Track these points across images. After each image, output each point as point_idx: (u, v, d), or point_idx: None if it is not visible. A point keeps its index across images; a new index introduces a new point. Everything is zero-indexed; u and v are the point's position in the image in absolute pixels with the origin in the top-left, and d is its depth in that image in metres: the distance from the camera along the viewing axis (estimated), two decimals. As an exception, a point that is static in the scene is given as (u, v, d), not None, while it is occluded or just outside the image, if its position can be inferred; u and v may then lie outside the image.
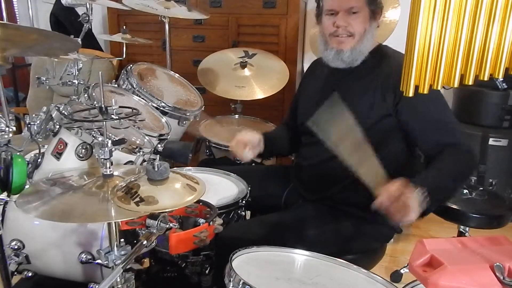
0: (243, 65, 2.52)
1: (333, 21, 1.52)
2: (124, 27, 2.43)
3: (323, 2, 1.56)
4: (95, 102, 1.55)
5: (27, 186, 1.15)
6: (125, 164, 1.44)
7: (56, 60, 2.20)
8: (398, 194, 1.20)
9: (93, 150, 1.32)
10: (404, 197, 1.19)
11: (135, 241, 1.07)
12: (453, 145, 1.42)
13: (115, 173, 1.15)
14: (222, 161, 2.22)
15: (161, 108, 1.92)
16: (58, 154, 1.41)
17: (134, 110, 1.19)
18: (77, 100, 1.76)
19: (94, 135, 1.34)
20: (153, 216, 1.00)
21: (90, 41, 3.18)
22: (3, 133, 1.18)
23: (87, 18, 2.05)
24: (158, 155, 1.59)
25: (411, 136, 1.50)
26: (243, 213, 1.59)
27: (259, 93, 2.44)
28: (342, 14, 1.51)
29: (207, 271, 1.41)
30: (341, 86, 1.60)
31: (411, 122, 1.46)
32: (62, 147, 1.41)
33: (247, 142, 1.67)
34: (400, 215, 1.21)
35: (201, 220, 1.20)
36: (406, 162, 1.55)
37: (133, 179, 1.09)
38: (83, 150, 1.38)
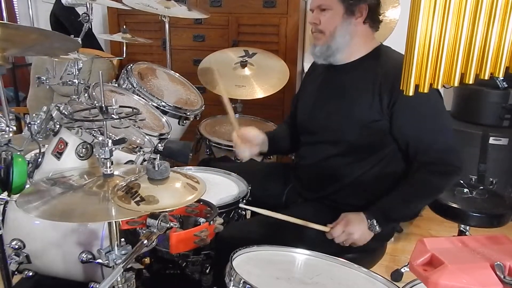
0: (243, 65, 2.52)
1: (310, 18, 1.59)
2: (124, 26, 2.44)
3: None
4: (95, 102, 1.56)
5: (27, 186, 1.16)
6: (125, 163, 1.44)
7: (56, 59, 2.20)
8: (342, 235, 1.43)
9: (94, 150, 1.32)
10: (348, 235, 1.43)
11: (135, 241, 1.07)
12: (430, 164, 1.45)
13: (116, 172, 1.15)
14: (222, 160, 2.22)
15: (161, 108, 1.92)
16: (58, 154, 1.41)
17: (134, 110, 1.20)
18: (77, 99, 1.77)
19: (95, 134, 1.34)
20: (154, 216, 1.00)
21: (90, 41, 3.18)
22: (3, 132, 1.18)
23: (87, 17, 2.05)
24: (159, 155, 1.59)
25: (398, 140, 1.50)
26: (244, 212, 1.59)
27: (259, 93, 2.44)
28: (315, 11, 1.56)
29: (207, 271, 1.41)
30: (338, 86, 1.60)
31: (401, 125, 1.47)
32: (62, 146, 1.41)
33: (249, 139, 1.68)
34: (351, 244, 1.45)
35: (202, 220, 1.20)
36: (403, 162, 1.55)
37: (133, 179, 1.09)
38: (84, 150, 1.38)
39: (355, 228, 1.43)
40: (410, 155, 1.49)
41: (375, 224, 1.43)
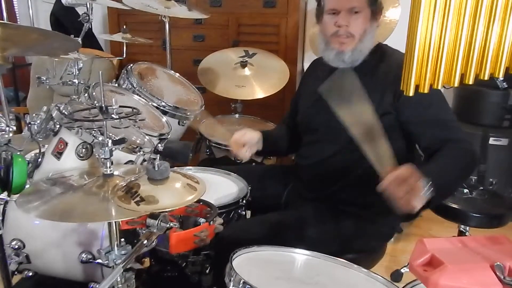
0: (243, 65, 2.52)
1: (335, 20, 1.51)
2: (125, 26, 2.43)
3: (324, 2, 1.55)
4: (95, 102, 1.55)
5: (27, 186, 1.16)
6: (125, 163, 1.44)
7: (56, 59, 2.20)
8: (406, 177, 1.16)
9: (94, 150, 1.32)
10: (412, 181, 1.16)
11: (135, 241, 1.07)
12: (454, 141, 1.42)
13: (116, 172, 1.15)
14: (222, 160, 2.22)
15: (161, 108, 1.92)
16: (58, 154, 1.41)
17: (134, 110, 1.20)
18: (77, 99, 1.77)
19: (95, 134, 1.34)
20: (154, 216, 1.00)
21: (91, 41, 3.18)
22: (3, 132, 1.18)
23: (87, 17, 2.05)
24: (159, 155, 1.59)
25: (411, 134, 1.50)
26: (243, 212, 1.59)
27: (259, 93, 2.44)
28: (344, 13, 1.50)
29: (207, 271, 1.41)
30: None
31: (411, 120, 1.47)
32: (62, 146, 1.41)
33: (245, 142, 1.68)
34: (406, 199, 1.16)
35: (202, 220, 1.20)
36: (406, 161, 1.54)
37: (133, 179, 1.09)
38: (84, 150, 1.38)
39: (421, 180, 1.18)
40: (424, 148, 1.48)
41: (427, 192, 1.20)
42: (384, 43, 1.65)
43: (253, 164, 2.22)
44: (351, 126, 1.26)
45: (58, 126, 1.45)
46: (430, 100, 1.44)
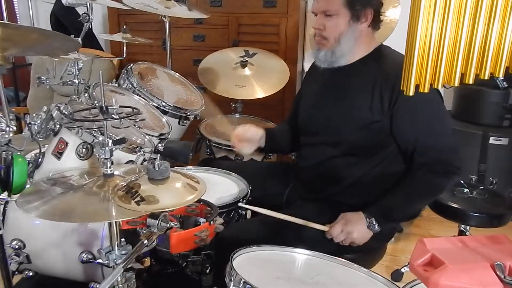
0: (244, 65, 2.52)
1: (314, 22, 1.55)
2: (125, 26, 2.43)
3: None
4: (95, 102, 1.56)
5: (27, 186, 1.16)
6: (125, 163, 1.44)
7: (56, 59, 2.20)
8: (339, 232, 1.44)
9: (94, 150, 1.32)
10: (347, 234, 1.44)
11: (135, 241, 1.07)
12: (430, 164, 1.45)
13: (116, 172, 1.15)
14: (222, 160, 2.22)
15: (161, 108, 1.92)
16: (58, 154, 1.41)
17: (134, 110, 1.20)
18: (77, 99, 1.77)
19: (95, 134, 1.34)
20: (154, 216, 1.00)
21: (91, 41, 3.18)
22: (3, 132, 1.18)
23: (88, 17, 2.05)
24: (159, 155, 1.59)
25: (396, 140, 1.50)
26: (244, 212, 1.59)
27: (259, 92, 2.44)
28: (319, 17, 1.53)
29: (207, 271, 1.41)
30: (339, 86, 1.60)
31: (400, 126, 1.46)
32: (62, 146, 1.41)
33: (248, 138, 1.68)
34: (351, 243, 1.45)
35: (202, 220, 1.20)
36: (404, 163, 1.55)
37: (133, 179, 1.09)
38: (84, 150, 1.38)
39: (354, 227, 1.43)
40: (410, 156, 1.49)
41: (374, 223, 1.44)
42: (385, 42, 1.64)
43: (254, 164, 2.22)
44: None
45: (58, 126, 1.45)
46: (426, 110, 1.45)
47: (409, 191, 1.48)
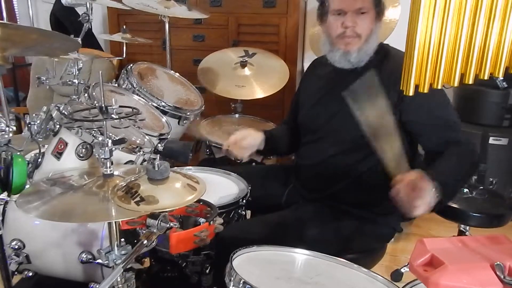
0: (243, 65, 2.52)
1: (341, 21, 1.50)
2: (124, 26, 2.43)
3: (329, 2, 1.54)
4: (95, 102, 1.55)
5: (27, 186, 1.16)
6: (125, 163, 1.44)
7: (56, 59, 2.20)
8: (416, 183, 1.21)
9: (94, 150, 1.32)
10: (421, 187, 1.21)
11: (135, 241, 1.07)
12: (456, 143, 1.43)
13: (116, 172, 1.15)
14: (222, 160, 2.22)
15: (161, 108, 1.92)
16: (58, 154, 1.41)
17: (134, 110, 1.20)
18: (77, 99, 1.77)
19: (95, 134, 1.34)
20: (154, 216, 1.00)
21: (90, 41, 3.18)
22: (3, 133, 1.18)
23: (87, 17, 2.05)
24: (158, 155, 1.58)
25: (414, 134, 1.50)
26: (244, 212, 1.59)
27: (259, 93, 2.44)
28: (351, 14, 1.49)
29: (207, 271, 1.41)
30: (345, 85, 1.59)
31: (414, 120, 1.47)
32: (62, 146, 1.41)
33: (246, 146, 1.67)
34: (413, 205, 1.22)
35: (202, 220, 1.20)
36: (410, 161, 1.54)
37: (133, 179, 1.09)
38: (83, 150, 1.38)
39: (429, 187, 1.23)
40: (428, 149, 1.49)
41: (435, 195, 1.25)
42: (385, 42, 1.64)
43: (253, 164, 2.22)
44: (371, 127, 1.28)
45: (58, 126, 1.45)
46: (435, 101, 1.45)
47: (453, 163, 1.39)
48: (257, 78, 2.49)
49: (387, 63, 1.52)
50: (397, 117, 1.47)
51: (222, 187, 1.67)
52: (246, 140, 1.68)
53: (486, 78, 0.72)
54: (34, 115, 1.49)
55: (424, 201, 1.22)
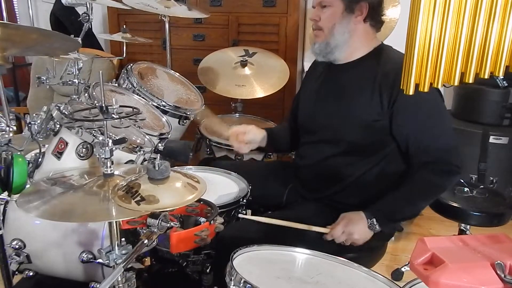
0: (244, 64, 2.52)
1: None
2: (124, 26, 2.44)
3: None
4: (95, 102, 1.55)
5: (27, 186, 1.16)
6: (125, 163, 1.44)
7: (56, 59, 2.20)
8: (342, 235, 1.44)
9: (94, 150, 1.32)
10: (348, 235, 1.43)
11: (136, 240, 1.07)
12: (430, 164, 1.45)
13: (116, 172, 1.15)
14: (222, 160, 2.22)
15: (161, 107, 1.92)
16: (58, 154, 1.41)
17: (134, 109, 1.20)
18: (77, 99, 1.77)
19: (95, 134, 1.34)
20: (154, 215, 1.00)
21: (90, 41, 3.18)
22: (3, 132, 1.18)
23: (87, 17, 2.05)
24: (159, 154, 1.59)
25: (398, 140, 1.49)
26: (244, 212, 1.59)
27: (259, 92, 2.44)
28: (316, 8, 1.56)
29: (208, 270, 1.41)
30: (338, 85, 1.60)
31: (401, 125, 1.46)
32: (62, 146, 1.41)
33: (248, 141, 1.68)
34: (352, 243, 1.45)
35: (202, 219, 1.20)
36: (404, 162, 1.55)
37: (133, 178, 1.09)
38: (84, 150, 1.38)
39: (355, 227, 1.43)
40: (410, 155, 1.49)
41: (375, 224, 1.44)
42: (385, 42, 1.64)
43: (254, 163, 2.22)
44: None
45: (58, 126, 1.45)
46: (426, 109, 1.45)
47: (410, 190, 1.48)
48: (257, 77, 2.49)
49: (382, 64, 1.52)
50: (387, 120, 1.47)
51: (222, 187, 1.67)
52: (248, 135, 1.69)
53: (486, 77, 0.72)
54: (34, 115, 1.49)
55: (357, 239, 1.44)
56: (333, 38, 1.53)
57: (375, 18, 1.54)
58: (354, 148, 1.55)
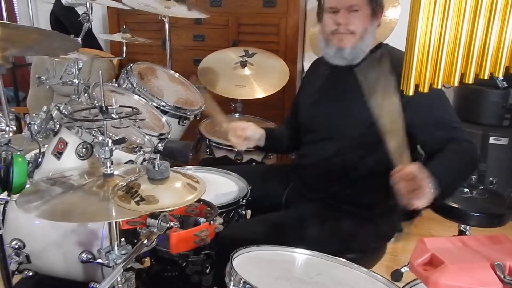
0: (243, 64, 2.52)
1: (335, 19, 1.53)
2: (124, 26, 2.43)
3: (324, 0, 1.56)
4: (95, 102, 1.55)
5: (27, 186, 1.16)
6: (125, 163, 1.44)
7: (56, 59, 2.20)
8: (415, 175, 1.20)
9: (94, 150, 1.32)
10: (420, 180, 1.20)
11: (135, 241, 1.07)
12: (456, 140, 1.43)
13: (116, 172, 1.15)
14: (222, 160, 2.22)
15: (161, 107, 1.92)
16: (58, 154, 1.41)
17: (134, 110, 1.20)
18: (77, 99, 1.77)
19: (95, 134, 1.34)
20: (154, 215, 1.00)
21: (90, 41, 3.18)
22: (3, 132, 1.18)
23: (87, 17, 2.05)
24: (159, 154, 1.59)
25: (413, 135, 1.49)
26: (244, 212, 1.59)
27: (259, 92, 2.44)
28: (343, 11, 1.51)
29: (207, 270, 1.41)
30: (343, 84, 1.60)
31: (414, 123, 1.46)
32: (62, 146, 1.41)
33: (247, 137, 1.68)
34: (412, 196, 1.21)
35: (202, 219, 1.20)
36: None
37: (133, 179, 1.09)
38: (84, 150, 1.38)
39: (428, 180, 1.22)
40: (428, 147, 1.49)
41: (433, 188, 1.24)
42: (384, 42, 1.65)
43: (253, 163, 2.22)
44: (378, 111, 1.28)
45: (58, 126, 1.45)
46: (433, 101, 1.45)
47: (453, 161, 1.39)
48: (257, 78, 2.49)
49: (385, 63, 1.52)
50: None
51: (222, 187, 1.67)
52: (247, 131, 1.69)
53: (486, 77, 0.72)
54: (34, 114, 1.49)
55: (423, 192, 1.21)
56: (363, 43, 1.53)
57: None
58: (356, 148, 1.55)
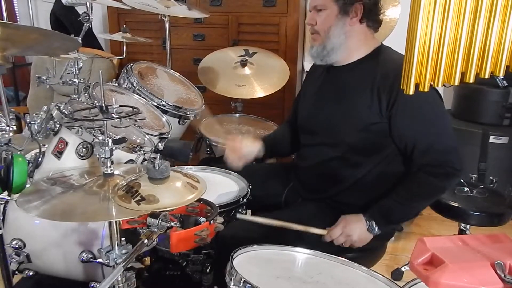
0: (244, 64, 2.52)
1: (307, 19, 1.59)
2: (124, 26, 2.44)
3: None
4: (95, 101, 1.55)
5: (27, 185, 1.15)
6: (125, 163, 1.44)
7: (56, 59, 2.20)
8: (338, 235, 1.45)
9: (94, 149, 1.32)
10: (346, 237, 1.45)
11: (136, 240, 1.07)
12: (429, 166, 1.45)
13: (116, 172, 1.15)
14: (222, 159, 2.22)
15: (161, 107, 1.92)
16: (58, 153, 1.41)
17: (134, 109, 1.20)
18: (77, 99, 1.77)
19: (95, 134, 1.34)
20: (154, 215, 1.00)
21: (91, 40, 3.18)
22: (3, 132, 1.18)
23: (87, 17, 2.05)
24: (159, 154, 1.59)
25: (397, 142, 1.49)
26: (244, 211, 1.58)
27: (259, 92, 2.44)
28: (312, 12, 1.57)
29: (208, 270, 1.41)
30: (338, 86, 1.60)
31: (401, 127, 1.46)
32: (62, 146, 1.41)
33: (243, 156, 1.68)
34: (349, 244, 1.47)
35: (202, 219, 1.19)
36: (404, 163, 1.54)
37: (133, 178, 1.09)
38: (84, 149, 1.38)
39: (354, 229, 1.44)
40: (409, 157, 1.48)
41: (374, 226, 1.45)
42: (385, 41, 1.64)
43: (254, 163, 2.22)
44: None
45: (58, 125, 1.45)
46: (425, 111, 1.44)
47: (409, 192, 1.48)
48: (257, 77, 2.49)
49: (381, 65, 1.51)
50: (386, 122, 1.46)
51: (222, 186, 1.67)
52: (245, 149, 1.70)
53: (486, 76, 0.72)
54: (34, 114, 1.49)
55: (354, 240, 1.45)
56: (329, 41, 1.53)
57: (371, 18, 1.53)
58: (354, 150, 1.55)
